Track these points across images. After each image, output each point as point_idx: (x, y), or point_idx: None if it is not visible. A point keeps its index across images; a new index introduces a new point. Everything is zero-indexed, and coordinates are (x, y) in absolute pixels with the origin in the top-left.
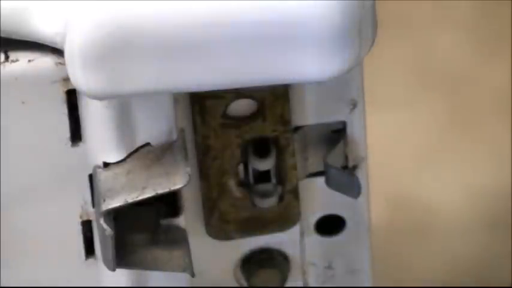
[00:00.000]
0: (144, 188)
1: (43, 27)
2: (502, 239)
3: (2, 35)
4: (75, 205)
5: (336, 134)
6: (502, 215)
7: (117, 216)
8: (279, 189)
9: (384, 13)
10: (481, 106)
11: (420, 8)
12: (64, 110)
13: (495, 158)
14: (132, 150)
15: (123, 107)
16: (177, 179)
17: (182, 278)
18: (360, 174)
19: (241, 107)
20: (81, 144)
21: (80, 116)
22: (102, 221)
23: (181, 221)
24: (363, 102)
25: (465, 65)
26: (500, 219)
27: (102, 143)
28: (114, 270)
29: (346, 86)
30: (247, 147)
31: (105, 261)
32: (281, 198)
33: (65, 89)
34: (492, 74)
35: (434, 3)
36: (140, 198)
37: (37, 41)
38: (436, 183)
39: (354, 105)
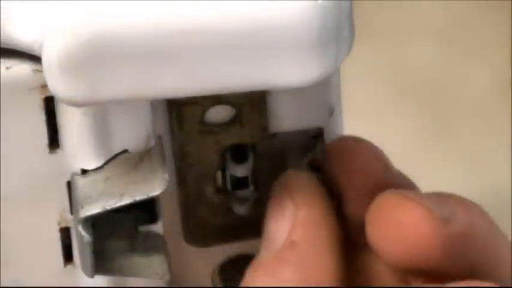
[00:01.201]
0: (122, 194)
1: (20, 35)
2: None
3: None
4: (53, 212)
5: (314, 140)
6: None
7: (95, 223)
8: (257, 195)
9: (362, 20)
10: (457, 114)
11: (398, 16)
12: (42, 117)
13: (471, 166)
14: (110, 157)
15: (100, 114)
16: (155, 185)
17: (160, 283)
18: None
19: (218, 113)
20: (59, 151)
21: (58, 123)
22: (80, 228)
23: (159, 227)
24: (341, 108)
25: (442, 73)
26: None
27: (80, 149)
28: (92, 276)
29: (323, 92)
30: (225, 153)
31: (84, 268)
32: (259, 205)
33: (43, 96)
34: (469, 83)
35: (412, 11)
36: (118, 205)
37: (14, 48)
38: None
39: (332, 111)
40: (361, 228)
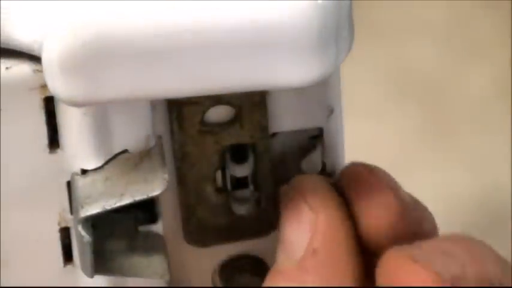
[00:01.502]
0: (122, 194)
1: (20, 35)
2: None
3: None
4: (53, 212)
5: (314, 140)
6: (475, 222)
7: (95, 223)
8: (257, 195)
9: (362, 20)
10: (457, 114)
11: (397, 16)
12: (42, 117)
13: (469, 167)
14: (110, 157)
15: (101, 114)
16: (154, 185)
17: (160, 282)
18: None
19: (218, 113)
20: (59, 151)
21: (58, 123)
22: (80, 228)
23: (159, 227)
24: (341, 109)
25: (442, 73)
26: (473, 227)
27: (80, 150)
28: (92, 276)
29: (323, 92)
30: (224, 153)
31: (83, 268)
32: (258, 205)
33: (43, 96)
34: (469, 82)
35: (411, 12)
36: (118, 205)
37: (14, 48)
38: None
39: (331, 111)
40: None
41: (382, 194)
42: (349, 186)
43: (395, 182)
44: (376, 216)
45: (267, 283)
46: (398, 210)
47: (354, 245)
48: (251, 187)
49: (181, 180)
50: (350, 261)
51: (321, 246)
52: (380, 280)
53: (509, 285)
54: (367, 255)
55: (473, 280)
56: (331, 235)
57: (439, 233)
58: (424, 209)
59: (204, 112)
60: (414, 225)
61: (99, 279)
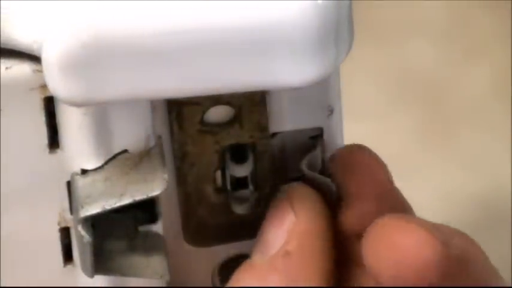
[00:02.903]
0: (122, 194)
1: (20, 35)
2: None
3: None
4: (53, 212)
5: (314, 140)
6: (476, 222)
7: (95, 223)
8: (256, 195)
9: (362, 20)
10: (457, 114)
11: (397, 16)
12: (42, 117)
13: (469, 167)
14: (110, 157)
15: (100, 114)
16: (154, 185)
17: (160, 282)
18: None
19: (218, 113)
20: (59, 151)
21: (58, 123)
22: (80, 228)
23: (159, 227)
24: (340, 108)
25: (442, 73)
26: (474, 226)
27: (80, 150)
28: (92, 276)
29: (323, 92)
30: (224, 153)
31: (84, 268)
32: (258, 205)
33: (43, 96)
34: (469, 82)
35: (411, 12)
36: (118, 204)
37: (14, 48)
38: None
39: (331, 111)
40: (355, 238)
41: (373, 170)
42: (337, 170)
43: (380, 164)
44: (365, 185)
45: (236, 275)
46: (379, 192)
47: (329, 259)
48: (251, 187)
49: (181, 180)
50: (321, 271)
51: (294, 250)
52: (368, 236)
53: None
54: (345, 267)
55: (460, 248)
56: (308, 243)
57: None
58: (409, 206)
59: (204, 112)
60: (397, 205)
61: (99, 279)
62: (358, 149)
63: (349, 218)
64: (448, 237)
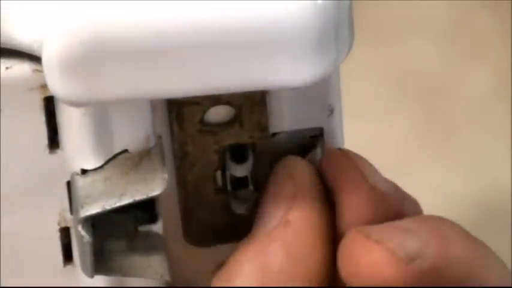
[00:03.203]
0: (122, 194)
1: (20, 35)
2: None
3: None
4: (53, 212)
5: (314, 140)
6: (476, 221)
7: (95, 223)
8: (257, 195)
9: (362, 20)
10: (457, 114)
11: (397, 16)
12: (42, 117)
13: (469, 167)
14: (110, 157)
15: (100, 114)
16: (154, 185)
17: (160, 282)
18: None
19: (218, 113)
20: (59, 151)
21: (58, 123)
22: (80, 228)
23: (159, 227)
24: (341, 108)
25: (441, 74)
26: (473, 225)
27: (80, 150)
28: (92, 277)
29: (323, 92)
30: (224, 153)
31: (84, 268)
32: (258, 204)
33: (43, 96)
34: (470, 82)
35: (411, 12)
36: (118, 205)
37: (14, 48)
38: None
39: (331, 111)
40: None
41: (356, 183)
42: (328, 173)
43: (372, 169)
44: (352, 207)
45: (236, 249)
46: (372, 199)
47: (328, 231)
48: (251, 187)
49: (181, 180)
50: (321, 241)
51: (294, 220)
52: (339, 252)
53: (476, 268)
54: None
55: (431, 258)
56: (307, 213)
57: None
58: (404, 195)
59: (204, 112)
60: (392, 213)
61: (99, 279)
62: (337, 153)
63: (340, 226)
64: (419, 246)
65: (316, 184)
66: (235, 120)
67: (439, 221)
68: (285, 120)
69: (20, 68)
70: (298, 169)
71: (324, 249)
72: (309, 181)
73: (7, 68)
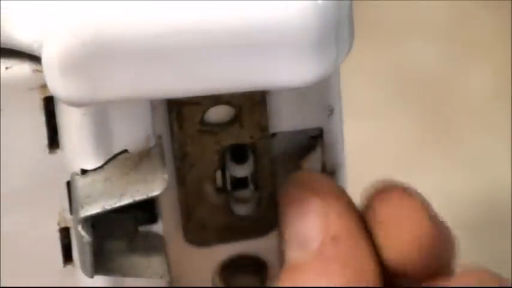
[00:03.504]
0: (122, 194)
1: (20, 35)
2: (475, 244)
3: None
4: (53, 212)
5: (314, 140)
6: (476, 221)
7: (95, 223)
8: (257, 195)
9: (362, 20)
10: (457, 114)
11: (397, 16)
12: (42, 117)
13: (469, 167)
14: (109, 157)
15: (100, 114)
16: (154, 185)
17: (160, 283)
18: (337, 180)
19: (218, 113)
20: (59, 151)
21: (58, 123)
22: (80, 228)
23: (159, 227)
24: (340, 108)
25: (442, 74)
26: (473, 225)
27: (80, 150)
28: (92, 277)
29: (323, 92)
30: (224, 153)
31: (83, 268)
32: (259, 205)
33: (43, 96)
34: (470, 82)
35: (411, 12)
36: (118, 205)
37: (14, 48)
38: None
39: (331, 111)
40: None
41: (415, 218)
42: (377, 207)
43: (427, 204)
44: (406, 242)
45: (284, 283)
46: (430, 238)
47: (368, 235)
48: (251, 187)
49: (181, 180)
50: (370, 248)
51: (340, 233)
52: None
53: None
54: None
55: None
56: (348, 221)
57: None
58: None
59: (204, 112)
60: (442, 258)
61: (99, 279)
62: (397, 192)
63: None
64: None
65: (339, 188)
66: (235, 120)
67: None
68: (285, 120)
69: (20, 68)
70: (317, 181)
71: (374, 254)
72: (332, 189)
73: (7, 68)
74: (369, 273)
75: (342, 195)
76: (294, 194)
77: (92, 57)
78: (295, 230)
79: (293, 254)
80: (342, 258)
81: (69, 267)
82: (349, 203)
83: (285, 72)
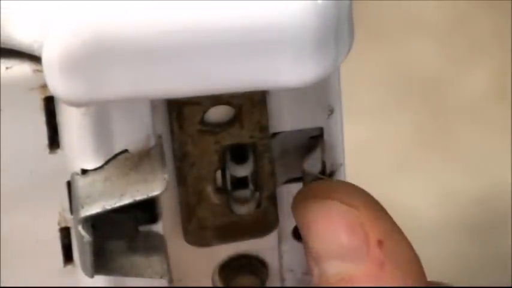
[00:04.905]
0: (122, 194)
1: (20, 35)
2: (475, 244)
3: None
4: (53, 212)
5: (314, 140)
6: (475, 220)
7: (95, 223)
8: (257, 195)
9: (362, 20)
10: (457, 114)
11: (397, 16)
12: (42, 117)
13: (469, 167)
14: (110, 157)
15: (100, 114)
16: (154, 185)
17: (160, 283)
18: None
19: (218, 113)
20: (59, 151)
21: (58, 123)
22: (80, 228)
23: (159, 227)
24: (341, 108)
25: (441, 74)
26: (473, 224)
27: (80, 150)
28: (92, 277)
29: (323, 92)
30: (224, 153)
31: (84, 268)
32: (259, 205)
33: (43, 96)
34: (470, 82)
35: (411, 12)
36: (118, 205)
37: (14, 48)
38: (412, 190)
39: (331, 111)
40: None
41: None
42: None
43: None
44: None
45: None
46: None
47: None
48: (251, 187)
49: (181, 180)
50: (408, 242)
51: (384, 236)
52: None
53: None
54: None
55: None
56: (384, 223)
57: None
58: None
59: (204, 112)
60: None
61: (99, 279)
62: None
63: None
64: None
65: (362, 192)
66: (235, 120)
67: None
68: (285, 120)
69: (20, 68)
70: (338, 191)
71: (411, 245)
72: (357, 194)
73: (7, 68)
74: (418, 265)
75: (363, 195)
76: (317, 208)
77: (92, 57)
78: (332, 244)
79: (338, 268)
80: (393, 260)
81: (69, 267)
82: (372, 201)
83: (285, 72)
